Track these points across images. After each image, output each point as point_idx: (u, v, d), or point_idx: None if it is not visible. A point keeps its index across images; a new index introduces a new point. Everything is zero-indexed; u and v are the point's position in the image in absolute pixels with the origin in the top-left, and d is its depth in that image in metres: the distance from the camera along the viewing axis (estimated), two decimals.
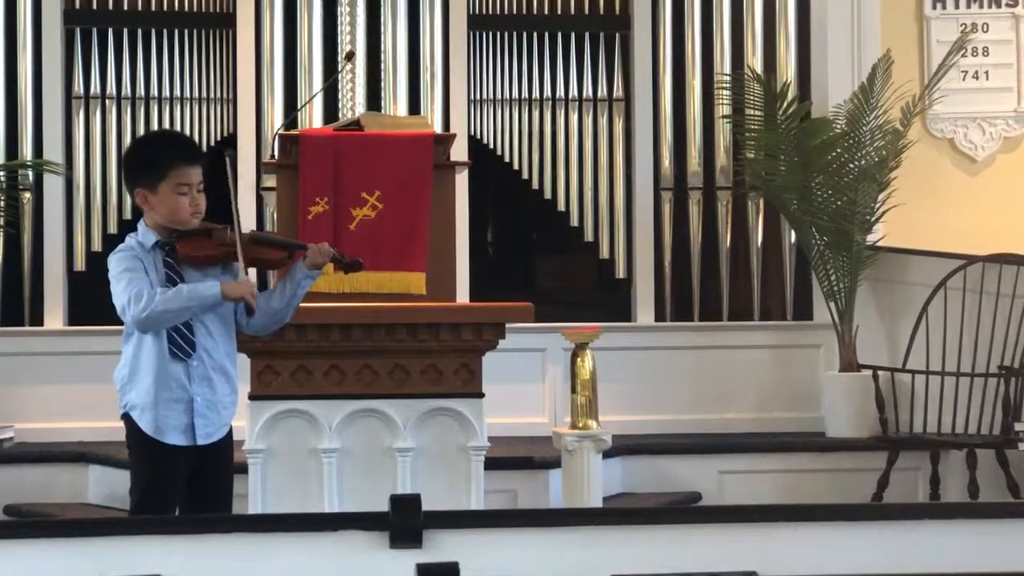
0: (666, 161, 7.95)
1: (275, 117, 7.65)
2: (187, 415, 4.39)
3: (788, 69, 7.94)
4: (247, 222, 7.10)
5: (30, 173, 7.65)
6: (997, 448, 6.89)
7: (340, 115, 7.61)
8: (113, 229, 7.64)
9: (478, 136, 7.86)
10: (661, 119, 7.95)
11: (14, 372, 7.50)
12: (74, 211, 7.72)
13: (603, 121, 7.96)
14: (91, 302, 7.18)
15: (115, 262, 4.40)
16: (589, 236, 7.93)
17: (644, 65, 7.95)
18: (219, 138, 7.76)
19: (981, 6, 8.07)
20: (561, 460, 6.21)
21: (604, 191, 7.93)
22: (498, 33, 7.93)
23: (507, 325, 5.34)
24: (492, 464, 5.49)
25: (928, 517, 3.05)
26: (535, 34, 7.95)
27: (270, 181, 7.18)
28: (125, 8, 7.80)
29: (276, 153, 5.73)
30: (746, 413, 7.75)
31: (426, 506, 2.89)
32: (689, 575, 2.84)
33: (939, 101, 7.75)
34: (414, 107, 7.74)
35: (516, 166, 7.91)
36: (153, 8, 7.81)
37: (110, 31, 7.78)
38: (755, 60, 7.93)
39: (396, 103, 7.73)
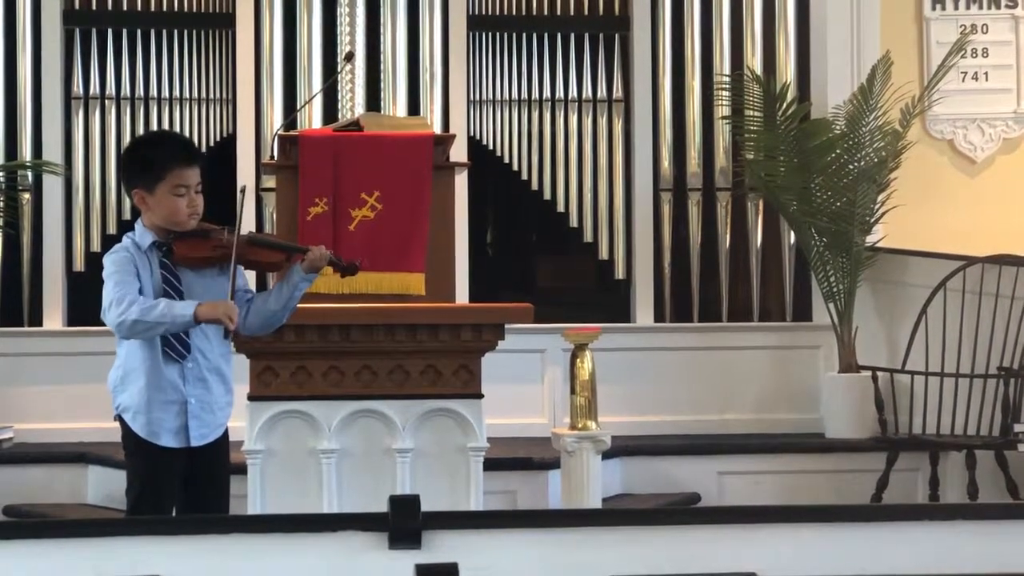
0: (665, 162, 7.94)
1: (274, 118, 7.64)
2: (181, 417, 4.39)
3: (788, 70, 7.94)
4: (247, 223, 7.10)
5: (29, 174, 7.64)
6: (996, 449, 6.89)
7: (339, 116, 7.61)
8: (112, 229, 7.64)
9: (477, 137, 7.86)
10: (660, 120, 7.95)
11: (13, 373, 7.50)
12: (73, 212, 7.72)
13: (602, 122, 7.95)
14: (90, 303, 7.13)
15: (108, 263, 4.40)
16: (588, 237, 7.92)
17: (644, 66, 7.95)
18: (219, 139, 7.76)
19: (981, 7, 8.07)
20: (560, 461, 6.21)
21: (603, 192, 7.93)
22: (497, 34, 7.93)
23: (506, 326, 5.34)
24: (491, 465, 5.49)
25: (927, 518, 3.05)
26: (535, 35, 7.95)
27: (269, 182, 7.19)
28: (124, 9, 7.80)
29: (275, 154, 5.73)
30: (745, 414, 7.75)
31: (425, 507, 2.89)
32: None
33: (938, 102, 7.75)
34: (413, 108, 7.74)
35: (515, 167, 7.91)
36: (152, 8, 7.80)
37: (109, 31, 7.78)
38: (755, 61, 7.93)
39: (395, 104, 7.73)
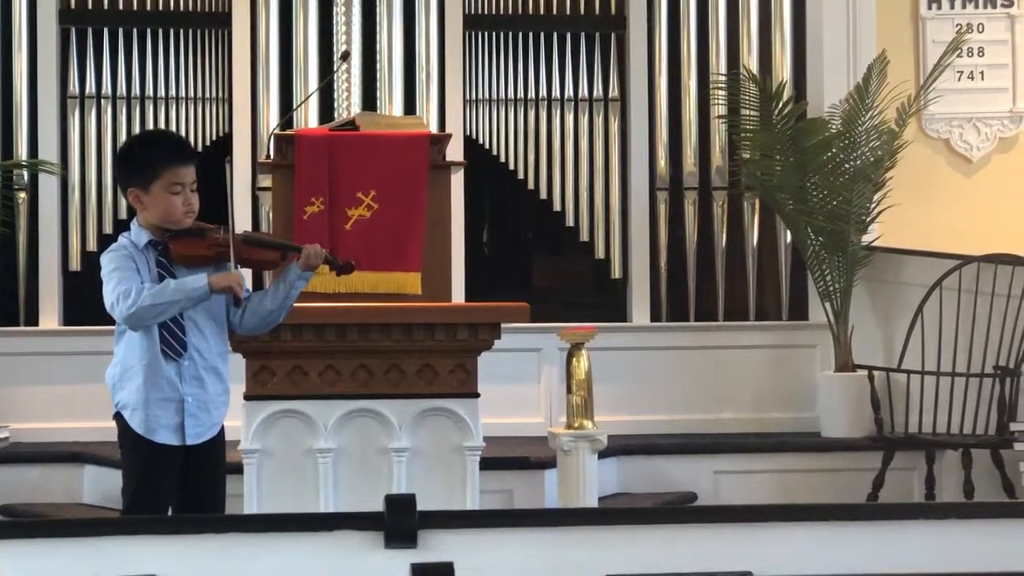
0: (662, 161, 7.95)
1: (271, 117, 7.64)
2: (178, 415, 4.40)
3: (784, 69, 7.94)
4: (243, 222, 7.10)
5: (25, 173, 7.64)
6: (992, 448, 6.89)
7: (336, 115, 7.61)
8: (108, 229, 7.63)
9: (474, 136, 7.86)
10: (657, 119, 7.95)
11: (9, 372, 7.49)
12: (69, 211, 7.71)
13: (599, 121, 7.95)
14: (86, 302, 7.16)
15: (107, 261, 4.40)
16: (585, 236, 7.93)
17: (640, 65, 7.95)
18: (215, 138, 7.76)
19: (976, 6, 8.07)
20: (557, 460, 6.21)
21: (600, 191, 7.93)
22: (494, 33, 7.93)
23: (503, 325, 5.34)
24: (487, 464, 5.49)
25: (923, 517, 3.05)
26: (531, 34, 7.95)
27: (266, 181, 7.19)
28: (120, 8, 7.79)
29: (272, 153, 5.73)
30: (742, 413, 7.75)
31: (421, 506, 2.89)
32: (684, 575, 2.84)
33: (934, 101, 7.76)
34: (410, 107, 7.74)
35: (512, 166, 7.91)
36: (148, 8, 7.80)
37: (105, 31, 7.78)
38: (751, 60, 7.93)
39: (392, 103, 7.73)
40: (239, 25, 7.74)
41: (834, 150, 7.45)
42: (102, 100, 7.75)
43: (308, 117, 7.64)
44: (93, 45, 7.77)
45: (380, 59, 7.78)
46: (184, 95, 7.77)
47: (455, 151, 7.15)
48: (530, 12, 7.94)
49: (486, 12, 7.91)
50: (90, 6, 7.82)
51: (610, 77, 7.97)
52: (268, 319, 4.54)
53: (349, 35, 7.78)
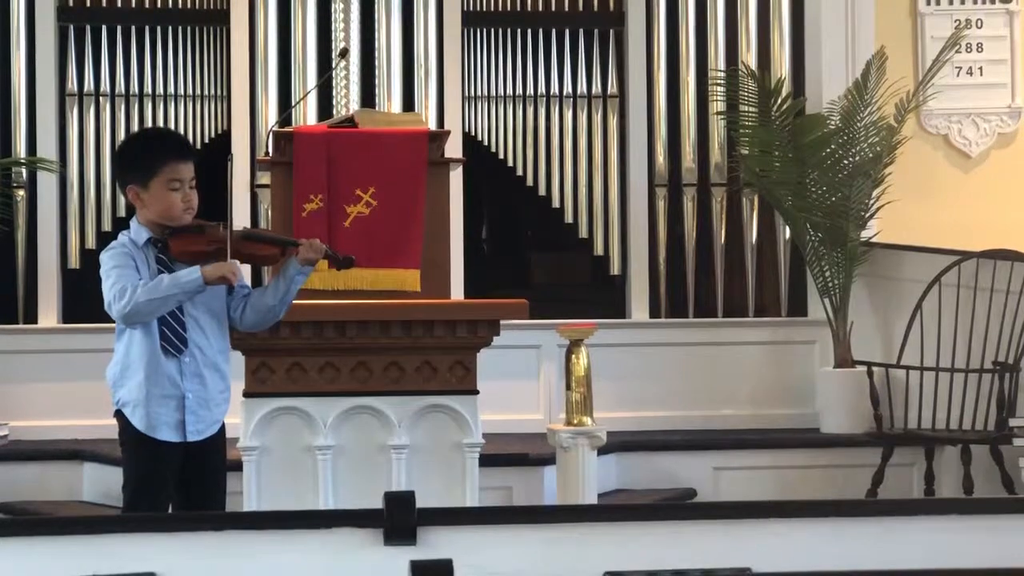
0: (660, 157, 7.94)
1: (269, 114, 7.64)
2: (179, 412, 4.40)
3: (782, 65, 7.94)
4: (242, 219, 7.10)
5: (24, 170, 7.63)
6: (991, 444, 6.89)
7: (334, 112, 7.60)
8: (107, 226, 7.63)
9: (472, 133, 7.86)
10: (655, 116, 7.95)
11: (8, 370, 7.49)
12: (68, 208, 7.71)
13: (597, 118, 7.95)
14: (85, 299, 7.16)
15: (106, 259, 4.41)
16: (583, 233, 7.93)
17: (638, 62, 7.95)
18: (213, 135, 7.76)
19: (975, 2, 8.07)
20: (556, 457, 6.21)
21: (598, 188, 7.93)
22: (492, 30, 7.93)
23: (502, 322, 5.34)
24: (487, 461, 5.49)
25: (922, 513, 3.05)
26: (529, 31, 7.95)
27: (264, 178, 7.19)
28: (119, 5, 7.80)
29: (270, 150, 5.72)
30: (741, 409, 7.75)
31: (420, 503, 2.89)
32: (684, 571, 2.84)
33: (933, 97, 7.76)
34: (408, 104, 7.74)
35: (510, 163, 7.91)
36: (147, 5, 7.80)
37: (104, 28, 7.78)
38: (749, 56, 7.93)
39: (390, 100, 7.73)
40: (238, 22, 7.73)
41: (833, 146, 7.45)
42: (101, 97, 7.75)
43: (307, 114, 7.64)
44: (92, 42, 7.77)
45: (379, 56, 7.78)
46: (183, 92, 7.77)
47: (454, 148, 7.14)
48: (528, 8, 7.94)
49: (484, 9, 7.91)
50: (88, 3, 7.82)
51: (609, 73, 7.97)
52: (269, 315, 4.54)
53: (348, 32, 7.77)
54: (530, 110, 7.93)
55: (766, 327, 7.88)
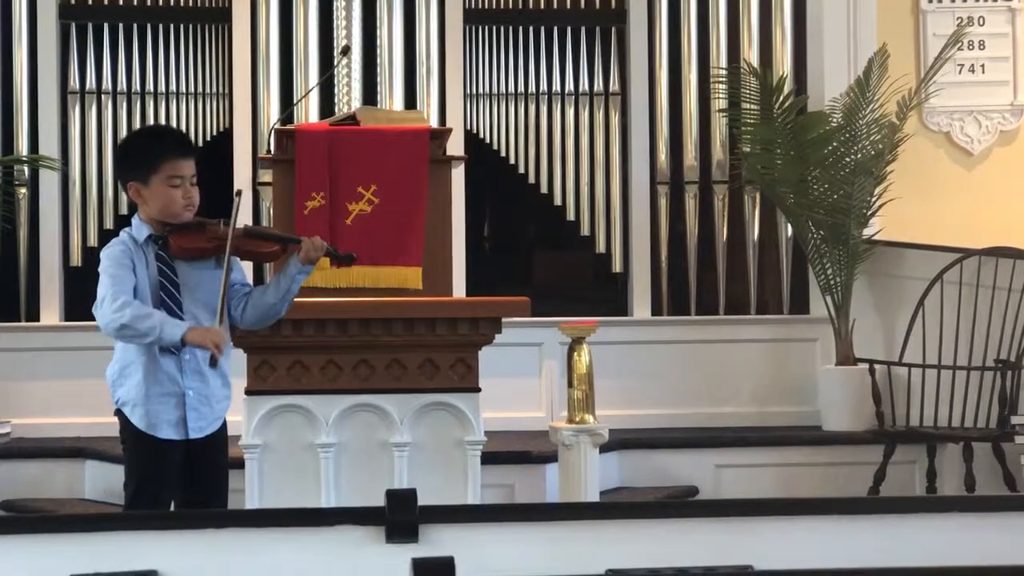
0: (662, 155, 7.94)
1: (271, 112, 7.64)
2: (179, 409, 4.39)
3: (784, 63, 7.94)
4: (243, 218, 7.09)
5: (26, 168, 7.64)
6: (993, 441, 6.89)
7: (336, 110, 7.60)
8: (109, 224, 7.64)
9: (474, 131, 7.86)
10: (657, 113, 7.95)
11: (10, 368, 7.50)
12: (70, 206, 7.72)
13: (599, 115, 7.95)
14: (87, 297, 7.13)
15: (105, 258, 4.40)
16: (585, 230, 7.92)
17: (640, 59, 7.95)
18: (215, 133, 7.76)
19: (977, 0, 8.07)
20: (558, 454, 6.21)
21: (600, 186, 7.93)
22: (494, 27, 7.93)
23: (503, 320, 5.34)
24: (489, 459, 5.49)
25: (924, 510, 3.05)
26: (531, 28, 7.95)
27: (266, 176, 7.19)
28: (120, 3, 7.80)
29: (272, 148, 5.72)
30: (743, 407, 7.76)
31: (422, 501, 2.89)
32: (686, 569, 2.84)
33: (935, 95, 7.75)
34: (410, 101, 7.74)
35: (512, 160, 7.91)
36: (149, 3, 7.80)
37: (105, 26, 7.78)
38: (751, 54, 7.93)
39: (392, 97, 7.73)
40: (239, 20, 7.73)
41: (835, 144, 7.44)
42: (102, 95, 7.75)
43: (308, 112, 7.64)
44: (93, 40, 7.77)
45: (380, 54, 7.78)
46: (184, 90, 7.77)
47: (456, 146, 7.14)
48: (530, 6, 7.94)
49: (486, 6, 7.91)
50: (90, 1, 7.82)
51: (611, 71, 7.96)
52: (269, 313, 4.54)
53: (349, 30, 7.77)
54: (532, 108, 7.92)
55: (768, 325, 7.88)
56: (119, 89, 7.74)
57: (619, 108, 7.97)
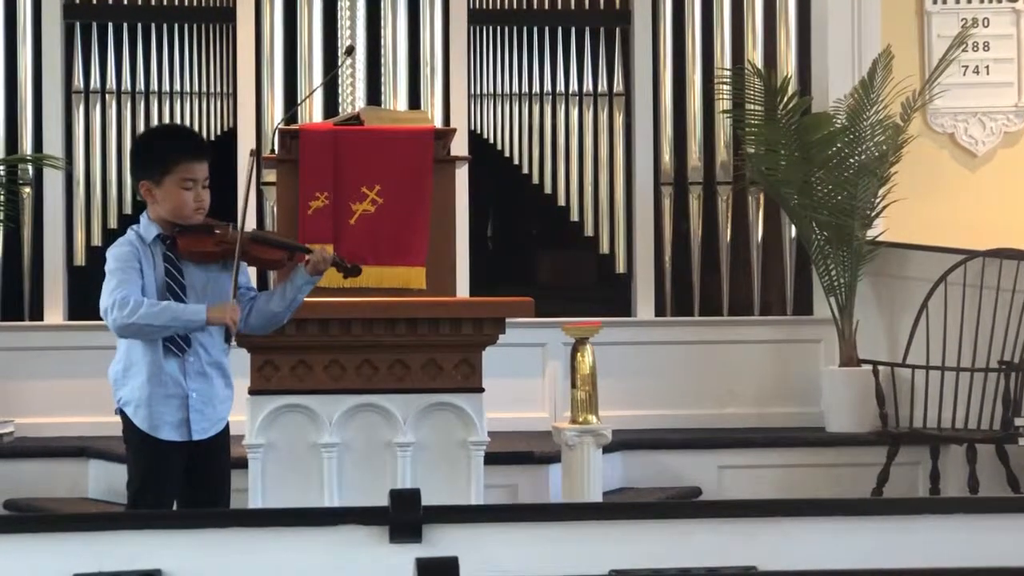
0: (666, 156, 7.94)
1: (275, 112, 7.65)
2: (182, 411, 4.39)
3: (788, 64, 7.94)
4: (248, 218, 7.09)
5: (30, 168, 7.64)
6: (997, 443, 6.89)
7: (340, 110, 7.61)
8: (113, 224, 7.64)
9: (478, 131, 7.86)
10: (661, 114, 7.95)
11: (14, 367, 7.50)
12: (74, 206, 7.72)
13: (603, 116, 7.95)
14: (91, 297, 7.13)
15: (111, 257, 4.40)
16: (589, 231, 7.93)
17: (644, 60, 7.95)
18: (219, 133, 7.76)
19: (982, 1, 8.06)
20: (561, 455, 6.21)
21: (604, 186, 7.93)
22: (498, 28, 7.93)
23: (507, 320, 5.34)
24: (492, 459, 5.49)
25: (928, 512, 3.05)
26: (535, 29, 7.95)
27: (270, 176, 7.18)
28: (125, 3, 7.80)
29: (276, 148, 5.73)
30: (746, 408, 7.75)
31: (426, 501, 2.89)
32: (689, 570, 2.84)
33: (940, 96, 7.75)
34: (414, 102, 7.74)
35: (516, 161, 7.91)
36: (153, 3, 7.81)
37: (110, 25, 7.78)
38: (755, 55, 7.93)
39: (396, 98, 7.73)
40: (243, 20, 7.74)
41: (839, 145, 7.44)
42: (107, 95, 7.75)
43: (312, 112, 7.64)
44: (98, 40, 7.77)
45: (384, 54, 7.78)
46: (189, 90, 7.78)
47: (459, 146, 7.15)
48: (534, 7, 7.94)
49: (490, 7, 7.91)
50: (94, 1, 7.83)
51: (615, 72, 7.96)
52: (273, 320, 4.54)
53: (353, 30, 7.78)
54: (536, 108, 7.92)
55: (771, 326, 7.88)
56: (123, 88, 7.75)
57: (623, 108, 7.96)
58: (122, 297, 4.27)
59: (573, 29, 7.97)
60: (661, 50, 7.97)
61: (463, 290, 7.17)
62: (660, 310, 7.91)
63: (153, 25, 7.79)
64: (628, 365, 7.59)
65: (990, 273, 7.16)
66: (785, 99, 7.45)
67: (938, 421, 7.09)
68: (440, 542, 2.85)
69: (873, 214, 7.47)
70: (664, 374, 7.73)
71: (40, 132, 7.71)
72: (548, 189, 7.92)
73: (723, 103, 7.80)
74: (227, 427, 4.53)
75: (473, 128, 7.83)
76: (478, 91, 7.88)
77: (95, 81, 7.75)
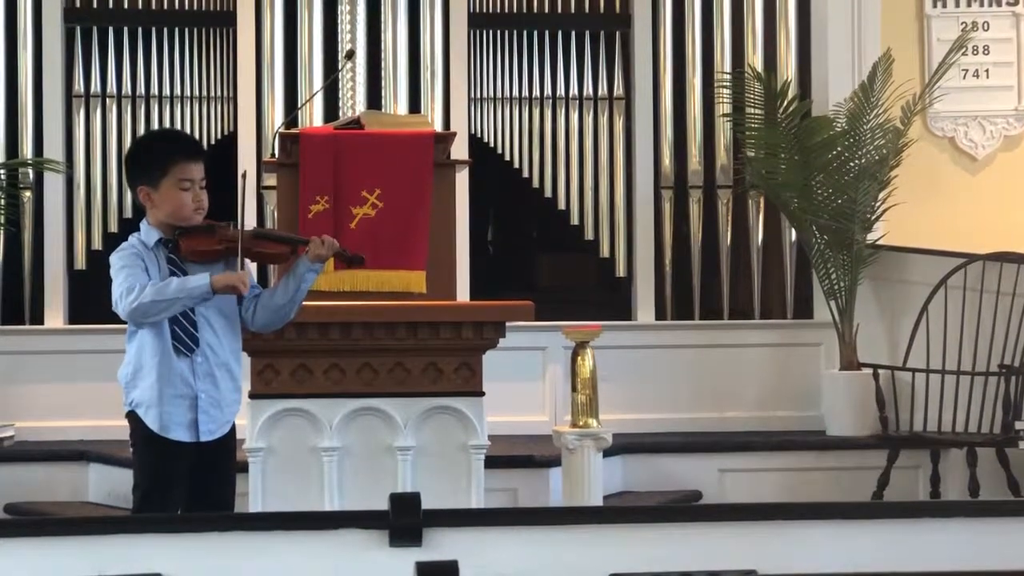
0: (666, 159, 7.95)
1: (275, 116, 7.65)
2: (191, 411, 4.40)
3: (788, 67, 7.94)
4: (248, 221, 7.09)
5: (30, 171, 7.65)
6: (997, 446, 6.89)
7: (340, 114, 7.61)
8: (114, 228, 7.65)
9: (478, 135, 7.86)
10: (661, 117, 7.95)
11: (14, 371, 7.50)
12: (74, 210, 7.72)
13: (603, 120, 7.96)
14: (91, 300, 7.18)
15: (115, 260, 4.42)
16: (589, 235, 7.93)
17: (644, 63, 7.96)
18: (220, 136, 7.77)
19: (982, 4, 8.07)
20: (561, 459, 6.20)
21: (604, 190, 7.93)
22: (498, 31, 7.93)
23: (507, 324, 5.33)
24: (492, 463, 5.48)
25: (928, 515, 3.05)
26: (535, 32, 7.96)
27: (270, 180, 7.18)
28: (125, 7, 7.81)
29: (276, 152, 5.73)
30: (746, 411, 7.75)
31: (426, 505, 2.89)
32: (689, 573, 2.84)
33: (939, 99, 7.75)
34: (414, 105, 7.74)
35: (516, 164, 7.91)
36: (153, 7, 7.81)
37: (110, 29, 7.79)
38: (755, 58, 7.93)
39: (396, 101, 7.73)
40: (244, 24, 7.74)
41: (839, 148, 7.45)
42: (107, 99, 7.76)
43: (313, 116, 7.65)
44: (98, 44, 7.77)
45: (385, 57, 7.79)
46: (189, 94, 7.78)
47: (460, 150, 7.16)
48: (535, 10, 7.95)
49: (491, 10, 7.91)
50: (95, 5, 7.83)
51: (615, 75, 7.97)
52: (279, 314, 4.53)
53: (354, 34, 7.78)
54: (536, 112, 7.93)
55: (772, 329, 7.88)
56: (123, 93, 7.75)
57: (623, 112, 7.97)
58: (128, 286, 4.30)
59: (573, 33, 7.97)
60: (661, 54, 7.97)
61: (463, 294, 7.17)
62: (660, 314, 7.91)
63: (153, 29, 7.79)
64: (628, 369, 7.58)
65: (990, 277, 7.16)
66: (785, 103, 7.46)
67: (938, 425, 7.09)
68: (440, 546, 2.85)
69: (873, 218, 7.47)
70: (664, 378, 7.73)
71: (40, 136, 7.72)
72: (548, 193, 7.93)
73: (723, 107, 7.81)
74: (233, 429, 4.53)
75: (473, 132, 7.84)
76: (478, 95, 7.89)
77: (95, 85, 7.75)
